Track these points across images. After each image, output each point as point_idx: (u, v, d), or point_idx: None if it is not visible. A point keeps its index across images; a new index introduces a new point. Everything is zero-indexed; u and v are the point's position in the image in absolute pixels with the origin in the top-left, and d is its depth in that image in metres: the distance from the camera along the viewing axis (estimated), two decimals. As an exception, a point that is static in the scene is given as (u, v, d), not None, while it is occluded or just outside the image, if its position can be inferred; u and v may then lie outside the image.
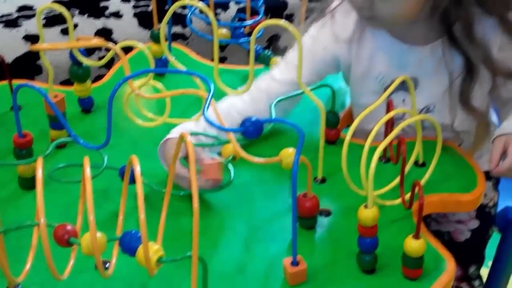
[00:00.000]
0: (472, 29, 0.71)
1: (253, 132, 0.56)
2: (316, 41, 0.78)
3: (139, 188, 0.48)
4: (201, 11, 0.92)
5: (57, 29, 1.19)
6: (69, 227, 0.52)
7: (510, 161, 0.71)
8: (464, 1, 0.69)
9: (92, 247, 0.48)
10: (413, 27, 0.74)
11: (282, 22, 0.62)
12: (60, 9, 0.76)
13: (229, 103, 0.76)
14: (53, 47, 0.73)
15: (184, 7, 1.17)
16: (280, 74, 0.78)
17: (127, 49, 0.84)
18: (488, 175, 0.85)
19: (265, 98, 0.75)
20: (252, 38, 0.65)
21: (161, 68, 0.89)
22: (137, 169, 0.49)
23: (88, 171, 0.49)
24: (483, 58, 0.72)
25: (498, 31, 0.73)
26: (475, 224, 0.85)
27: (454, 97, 0.75)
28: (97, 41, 0.71)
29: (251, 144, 0.74)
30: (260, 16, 0.90)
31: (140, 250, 0.49)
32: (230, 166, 0.67)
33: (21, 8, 1.25)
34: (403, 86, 0.76)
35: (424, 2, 0.70)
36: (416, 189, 0.56)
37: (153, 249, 0.49)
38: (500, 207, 0.89)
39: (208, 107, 0.57)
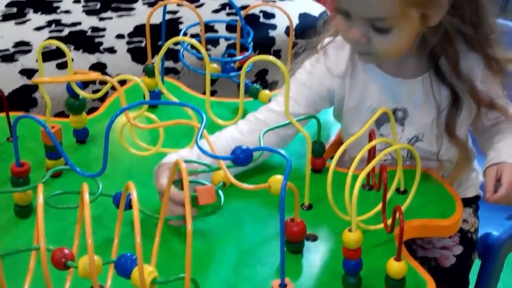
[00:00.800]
0: (458, 64, 0.76)
1: (243, 160, 0.59)
2: (312, 76, 0.81)
3: (135, 211, 0.51)
4: (192, 47, 0.97)
5: (53, 63, 1.23)
6: (66, 251, 0.54)
7: (505, 190, 0.75)
8: (452, 38, 0.73)
9: (90, 269, 0.50)
10: (403, 62, 0.78)
11: (270, 57, 0.66)
12: (59, 44, 0.80)
13: (228, 136, 0.79)
14: (53, 80, 0.76)
15: (176, 43, 1.21)
16: (278, 105, 0.81)
17: (121, 83, 0.87)
18: (469, 201, 0.89)
19: (264, 129, 0.78)
20: (242, 72, 0.69)
21: (156, 100, 0.92)
22: (134, 194, 0.52)
23: (87, 196, 0.52)
24: (468, 90, 0.77)
25: (480, 65, 0.77)
26: (459, 249, 0.88)
27: (441, 127, 0.79)
28: (95, 75, 0.75)
29: (241, 172, 0.77)
30: (249, 52, 0.95)
31: (135, 272, 0.52)
32: (221, 192, 0.70)
33: (18, 44, 1.29)
34: (392, 118, 0.80)
35: (416, 38, 0.74)
36: (397, 214, 0.60)
37: (148, 271, 0.51)
38: (480, 233, 0.92)
39: (201, 136, 0.61)
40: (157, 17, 0.95)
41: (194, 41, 0.75)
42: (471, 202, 0.89)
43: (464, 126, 0.82)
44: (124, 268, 0.53)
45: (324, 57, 0.81)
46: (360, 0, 0.70)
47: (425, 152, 0.82)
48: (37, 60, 1.22)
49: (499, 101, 0.79)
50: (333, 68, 0.81)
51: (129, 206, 0.67)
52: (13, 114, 0.89)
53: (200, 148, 0.61)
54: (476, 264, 0.94)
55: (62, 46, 0.79)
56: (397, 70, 0.80)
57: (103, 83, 1.22)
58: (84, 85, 1.09)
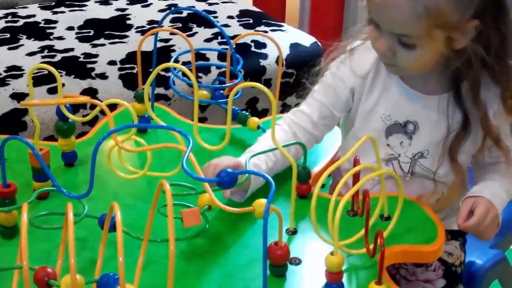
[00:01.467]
0: (478, 91, 0.78)
1: (228, 182, 0.60)
2: (336, 77, 0.85)
3: (119, 231, 0.51)
4: (183, 74, 0.98)
5: (44, 88, 1.25)
6: (49, 270, 0.55)
7: (476, 220, 0.77)
8: (475, 66, 0.75)
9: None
10: (426, 78, 0.81)
11: (257, 84, 0.68)
12: (49, 68, 0.81)
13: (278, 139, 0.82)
14: (43, 103, 0.77)
15: (167, 70, 1.23)
16: (308, 108, 0.85)
17: (111, 108, 0.88)
18: (456, 234, 0.90)
19: (301, 132, 0.84)
20: (230, 98, 0.70)
21: (143, 124, 0.93)
22: (118, 214, 0.53)
23: (71, 215, 0.53)
24: (481, 118, 0.79)
25: (497, 99, 0.79)
26: (441, 283, 0.88)
27: (446, 148, 0.81)
28: (84, 98, 0.76)
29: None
30: (238, 79, 0.97)
31: (117, 292, 0.52)
32: (206, 215, 0.71)
33: (10, 68, 1.31)
34: (402, 130, 0.83)
35: (440, 58, 0.76)
36: (379, 239, 0.61)
37: (130, 290, 0.52)
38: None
39: (186, 159, 0.62)
40: (149, 45, 0.97)
41: (183, 67, 0.76)
42: (458, 235, 0.90)
43: (466, 154, 0.83)
44: (106, 287, 0.53)
45: (350, 58, 0.84)
46: (388, 15, 0.73)
47: (425, 170, 0.84)
48: (28, 84, 1.25)
49: (505, 140, 0.81)
50: (357, 68, 0.83)
51: (113, 227, 0.67)
52: (2, 137, 0.90)
53: (186, 170, 0.62)
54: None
55: (52, 69, 0.80)
56: (418, 84, 0.82)
57: (94, 107, 1.23)
58: (75, 110, 1.10)
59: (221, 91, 0.98)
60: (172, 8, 1.62)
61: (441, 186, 0.85)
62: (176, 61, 0.99)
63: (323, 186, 0.91)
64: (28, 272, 0.51)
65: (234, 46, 0.95)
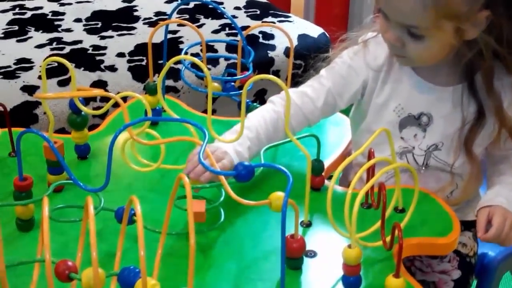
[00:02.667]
0: (491, 82, 0.77)
1: (245, 176, 0.60)
2: (350, 68, 0.84)
3: (140, 224, 0.52)
4: (193, 66, 0.98)
5: (54, 80, 1.25)
6: (70, 263, 0.55)
7: (495, 231, 0.78)
8: (487, 57, 0.75)
9: (94, 281, 0.51)
10: (439, 69, 0.80)
11: (272, 77, 0.68)
12: (63, 61, 0.81)
13: (276, 112, 0.82)
14: (57, 96, 0.77)
15: (177, 62, 1.23)
16: (313, 92, 0.85)
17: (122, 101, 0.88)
18: (469, 225, 0.90)
19: (299, 114, 0.83)
20: (244, 90, 0.70)
21: (159, 117, 0.93)
22: (138, 208, 0.53)
23: (91, 208, 0.53)
24: (496, 109, 0.78)
25: (511, 90, 0.79)
26: (457, 274, 0.88)
27: (461, 140, 0.81)
28: (98, 91, 0.76)
29: (237, 187, 0.77)
30: (250, 71, 0.97)
31: (138, 285, 0.52)
32: (221, 208, 0.71)
33: (19, 61, 1.31)
34: (415, 122, 0.82)
35: (450, 49, 0.76)
36: (396, 231, 0.61)
37: (151, 284, 0.52)
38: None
39: (203, 153, 0.62)
40: (157, 37, 0.97)
41: (196, 60, 0.76)
42: (471, 226, 0.90)
43: (481, 146, 0.83)
44: (127, 280, 0.53)
45: (364, 50, 0.83)
46: (395, 6, 0.73)
47: (440, 162, 0.83)
48: (38, 77, 1.25)
49: None
50: (371, 61, 0.83)
51: (131, 220, 0.68)
52: (15, 130, 0.90)
53: (203, 164, 0.62)
54: (473, 283, 0.94)
55: (66, 62, 0.80)
56: (431, 76, 0.81)
57: (104, 100, 1.23)
58: (85, 102, 1.10)
59: (232, 83, 0.98)
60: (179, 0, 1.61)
61: (456, 178, 0.85)
62: (186, 53, 0.99)
63: (329, 177, 0.91)
64: (51, 266, 0.51)
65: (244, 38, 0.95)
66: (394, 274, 0.61)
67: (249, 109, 0.96)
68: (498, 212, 0.79)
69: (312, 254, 0.70)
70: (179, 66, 1.24)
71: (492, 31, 0.73)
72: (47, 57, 1.32)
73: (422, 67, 0.81)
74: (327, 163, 0.87)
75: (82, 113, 0.86)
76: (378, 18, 0.80)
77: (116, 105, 0.83)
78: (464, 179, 0.85)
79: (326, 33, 1.48)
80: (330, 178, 0.87)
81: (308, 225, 0.75)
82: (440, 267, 0.88)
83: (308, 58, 1.40)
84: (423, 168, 0.84)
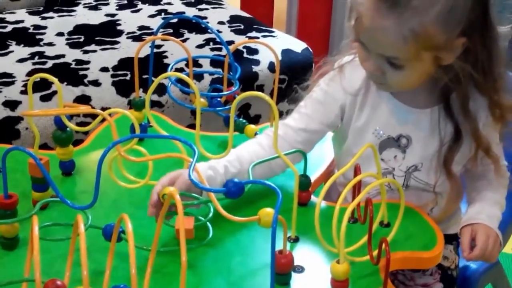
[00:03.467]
0: (467, 104, 0.79)
1: (235, 193, 0.61)
2: (326, 94, 0.85)
3: (131, 243, 0.52)
4: (178, 81, 0.99)
5: (36, 95, 1.24)
6: (59, 282, 0.54)
7: (479, 251, 0.80)
8: (462, 80, 0.76)
9: (84, 300, 0.51)
10: (416, 93, 0.81)
11: (261, 94, 0.69)
12: (50, 78, 0.81)
13: (251, 151, 0.81)
14: (44, 113, 0.77)
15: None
16: (294, 122, 0.85)
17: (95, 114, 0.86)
18: (450, 238, 0.91)
19: (284, 144, 0.82)
20: (233, 106, 0.71)
21: (148, 134, 0.93)
22: (129, 226, 0.53)
23: (82, 227, 0.53)
24: (472, 130, 0.80)
25: (485, 110, 0.81)
26: (439, 287, 0.90)
27: (440, 160, 0.82)
28: (85, 108, 0.76)
29: (227, 204, 0.78)
30: (236, 87, 0.97)
31: (129, 303, 0.52)
32: (209, 224, 0.71)
33: (0, 76, 1.30)
34: (395, 144, 0.84)
35: (428, 75, 0.77)
36: (383, 246, 0.62)
37: (142, 302, 0.52)
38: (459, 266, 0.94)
39: (193, 169, 0.62)
40: (142, 51, 0.96)
41: (185, 77, 0.77)
42: (453, 239, 0.91)
43: (460, 164, 0.85)
44: (117, 299, 0.53)
45: (339, 76, 0.84)
46: (375, 39, 0.74)
47: (421, 183, 0.85)
48: (20, 92, 1.24)
49: (494, 149, 0.83)
50: (348, 86, 0.84)
51: (118, 238, 0.67)
52: (-1, 146, 0.90)
53: (192, 181, 0.63)
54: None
55: (54, 79, 0.80)
56: (409, 99, 0.82)
57: (87, 115, 1.23)
58: (69, 117, 1.09)
59: (218, 99, 0.99)
60: (163, 14, 1.62)
61: (437, 196, 0.87)
62: (175, 69, 0.99)
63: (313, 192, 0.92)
64: (41, 285, 0.51)
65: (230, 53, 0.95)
66: (382, 288, 0.62)
67: (235, 124, 0.97)
68: (481, 230, 0.81)
69: (300, 269, 0.70)
70: (165, 81, 1.24)
71: (468, 57, 0.75)
72: (30, 72, 1.31)
73: (400, 92, 0.83)
74: (312, 178, 0.88)
75: (67, 129, 0.86)
76: (354, 42, 0.81)
77: (109, 122, 0.82)
78: (444, 197, 0.87)
79: (309, 48, 1.50)
80: (314, 193, 0.88)
81: (295, 240, 0.75)
82: (422, 280, 0.89)
83: (292, 73, 1.43)
84: (404, 188, 0.85)
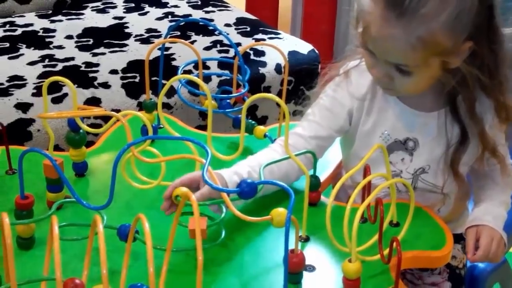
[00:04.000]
0: (474, 106, 0.80)
1: (248, 193, 0.62)
2: (333, 100, 0.85)
3: (149, 242, 0.53)
4: (187, 83, 1.00)
5: (48, 98, 1.25)
6: (77, 281, 0.56)
7: (482, 253, 0.81)
8: (470, 83, 0.77)
9: (104, 298, 0.52)
10: (423, 97, 0.82)
11: (272, 96, 0.70)
12: (65, 81, 0.82)
13: (270, 159, 0.81)
14: (59, 115, 0.78)
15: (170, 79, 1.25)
16: (303, 130, 0.86)
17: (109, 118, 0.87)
18: (459, 238, 0.92)
19: (296, 151, 0.82)
20: (244, 108, 0.72)
21: (161, 135, 0.95)
22: (146, 225, 0.54)
23: (101, 227, 0.54)
24: (478, 132, 0.81)
25: (491, 111, 0.82)
26: (447, 286, 0.91)
27: (447, 162, 0.83)
28: (99, 110, 0.77)
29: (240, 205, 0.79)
30: (245, 89, 0.99)
31: (147, 301, 0.53)
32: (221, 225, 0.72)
33: (12, 78, 1.31)
34: (402, 147, 0.84)
35: (436, 79, 0.78)
36: (394, 245, 0.63)
37: (159, 300, 0.53)
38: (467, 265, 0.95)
39: (206, 170, 0.63)
40: (150, 54, 0.98)
41: (197, 79, 0.78)
42: (460, 238, 0.92)
43: (466, 165, 0.86)
44: (135, 298, 0.54)
45: (346, 81, 0.85)
46: (383, 47, 0.75)
47: (428, 185, 0.86)
48: (32, 94, 1.26)
49: (500, 149, 0.84)
50: (354, 91, 0.84)
51: (133, 238, 0.69)
52: (11, 148, 0.91)
53: (206, 181, 0.64)
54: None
55: (69, 82, 0.81)
56: (415, 103, 0.83)
57: (98, 117, 1.24)
58: (81, 119, 1.11)
59: (228, 101, 1.00)
60: (170, 17, 1.63)
61: (446, 197, 0.88)
62: (183, 71, 1.01)
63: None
64: (61, 285, 0.52)
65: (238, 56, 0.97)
66: (393, 287, 0.62)
67: (245, 125, 0.98)
68: (485, 232, 0.82)
69: (311, 269, 0.71)
70: (174, 83, 1.25)
71: (474, 60, 0.76)
72: (40, 74, 1.32)
73: (407, 96, 0.84)
74: (322, 178, 0.89)
75: (81, 131, 0.87)
76: (361, 49, 0.81)
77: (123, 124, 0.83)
78: (451, 198, 0.88)
79: (315, 50, 1.51)
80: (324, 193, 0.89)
81: (306, 239, 0.77)
82: (431, 279, 0.90)
83: (298, 74, 1.44)
84: (413, 189, 0.86)
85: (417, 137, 0.84)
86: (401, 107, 0.84)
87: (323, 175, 0.92)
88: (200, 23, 1.50)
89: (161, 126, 0.99)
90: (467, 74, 0.76)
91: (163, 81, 0.98)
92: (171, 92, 1.30)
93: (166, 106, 1.31)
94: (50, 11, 1.66)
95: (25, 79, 1.31)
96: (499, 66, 0.78)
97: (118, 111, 1.10)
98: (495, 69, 0.78)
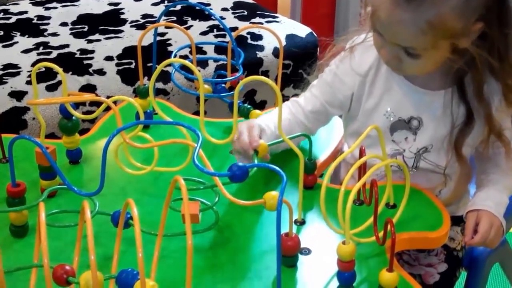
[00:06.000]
0: (481, 88, 0.79)
1: (239, 176, 0.61)
2: (335, 75, 0.85)
3: (137, 226, 0.52)
4: (182, 68, 0.99)
5: (42, 85, 1.24)
6: (67, 267, 0.55)
7: (480, 237, 0.80)
8: (479, 66, 0.76)
9: (93, 284, 0.51)
10: (429, 76, 0.81)
11: (263, 78, 0.69)
12: (53, 66, 0.81)
13: (291, 113, 0.86)
14: (48, 102, 0.77)
15: (166, 64, 1.23)
16: (305, 102, 0.87)
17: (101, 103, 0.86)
18: (459, 220, 0.91)
19: (293, 123, 0.86)
20: (236, 92, 0.71)
21: (152, 120, 0.94)
22: (134, 210, 0.53)
23: (88, 213, 0.53)
24: (485, 114, 0.80)
25: (499, 94, 0.80)
26: (443, 267, 0.90)
27: (451, 142, 0.82)
28: (89, 96, 0.77)
29: (229, 188, 0.78)
30: (240, 73, 0.97)
31: (137, 286, 0.53)
32: (215, 209, 0.72)
33: (6, 66, 1.30)
34: (406, 126, 0.84)
35: (443, 61, 0.77)
36: (389, 226, 0.62)
37: (149, 285, 0.53)
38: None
39: (197, 154, 0.63)
40: (145, 40, 0.97)
41: (188, 63, 0.77)
42: (460, 221, 0.91)
43: (470, 146, 0.85)
44: (125, 283, 0.54)
45: (349, 57, 0.84)
46: (393, 31, 0.74)
47: (431, 164, 0.85)
48: (26, 82, 1.24)
49: (505, 133, 0.82)
50: (357, 67, 0.84)
51: (127, 224, 0.68)
52: (4, 136, 0.90)
53: (197, 166, 0.63)
54: (462, 276, 0.96)
55: (56, 67, 0.80)
56: (421, 81, 0.82)
57: (93, 104, 1.23)
58: (75, 106, 1.10)
59: (223, 85, 0.99)
60: (166, 2, 1.61)
61: (446, 178, 0.86)
62: (176, 56, 0.99)
63: (321, 175, 0.92)
64: (49, 271, 0.52)
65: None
66: (388, 268, 0.62)
67: (240, 110, 0.97)
68: (485, 218, 0.81)
69: (307, 252, 0.71)
70: (169, 68, 1.24)
71: (484, 42, 0.75)
72: (35, 62, 1.31)
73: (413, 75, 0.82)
74: (318, 162, 0.88)
75: (73, 118, 0.86)
76: (365, 21, 0.80)
77: (106, 109, 0.83)
78: (453, 179, 0.87)
79: (314, 33, 1.49)
80: (320, 176, 0.88)
81: (301, 223, 0.76)
82: (427, 260, 0.90)
83: (296, 58, 1.42)
84: (414, 170, 0.85)
85: (422, 116, 0.83)
86: (407, 85, 0.83)
87: (322, 156, 0.90)
88: (196, 8, 1.48)
89: (156, 112, 0.97)
90: (476, 55, 0.75)
91: (158, 66, 0.97)
92: (167, 78, 1.29)
93: (163, 92, 1.30)
94: (45, -2, 1.64)
95: (20, 67, 1.30)
96: (509, 49, 0.77)
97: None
98: (505, 52, 0.77)
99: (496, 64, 0.76)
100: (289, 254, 0.68)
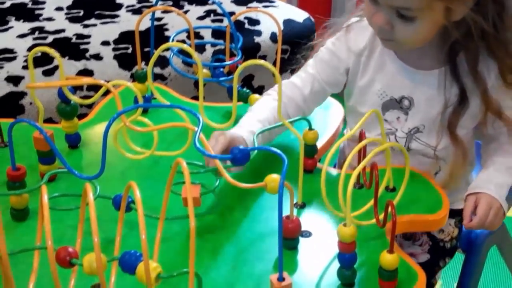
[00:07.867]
0: (477, 63, 0.78)
1: (240, 159, 0.61)
2: (332, 53, 0.86)
3: (140, 209, 0.52)
4: (180, 52, 0.98)
5: (39, 70, 1.23)
6: (70, 249, 0.55)
7: (478, 220, 0.80)
8: (475, 35, 0.75)
9: (97, 265, 0.52)
10: (422, 53, 0.81)
11: (262, 62, 0.69)
12: (50, 51, 0.80)
13: (271, 107, 0.84)
14: (47, 85, 0.77)
15: (164, 49, 1.23)
16: (301, 82, 0.87)
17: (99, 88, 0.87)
18: (454, 213, 0.90)
19: (291, 104, 0.85)
20: (235, 76, 0.71)
21: (151, 104, 0.94)
22: (137, 193, 0.54)
23: (91, 195, 0.53)
24: (481, 91, 0.79)
25: (495, 72, 0.79)
26: (424, 258, 0.90)
27: (444, 123, 0.82)
28: (88, 79, 0.76)
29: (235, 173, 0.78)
30: (239, 57, 0.97)
31: (140, 268, 0.53)
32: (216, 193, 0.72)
33: (2, 51, 1.29)
34: (397, 105, 0.84)
35: (438, 30, 0.76)
36: (389, 209, 0.62)
37: (152, 266, 0.53)
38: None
39: (198, 137, 0.62)
40: (142, 24, 0.96)
41: (186, 47, 0.77)
42: (456, 214, 0.90)
43: (465, 128, 0.84)
44: (128, 264, 0.54)
45: (345, 35, 0.85)
46: None
47: (422, 144, 0.85)
48: (22, 67, 1.24)
49: (506, 112, 0.81)
50: (353, 45, 0.84)
51: (128, 207, 0.68)
52: (2, 121, 0.90)
53: (198, 148, 0.63)
54: (460, 258, 0.97)
55: (53, 52, 0.79)
56: (414, 60, 0.82)
57: (91, 89, 1.22)
58: (73, 91, 1.09)
59: (221, 69, 0.99)
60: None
61: (440, 162, 0.86)
62: (173, 40, 0.99)
63: (319, 160, 0.93)
64: (53, 252, 0.52)
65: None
66: (388, 250, 0.62)
67: (239, 95, 0.97)
68: (484, 200, 0.80)
69: (308, 234, 0.71)
70: (166, 53, 1.23)
71: (479, 10, 0.74)
72: (31, 47, 1.30)
73: (406, 52, 0.82)
74: (320, 143, 0.88)
75: (72, 102, 0.86)
76: (361, 2, 0.80)
77: (104, 94, 0.83)
78: (447, 163, 0.86)
79: (311, 18, 1.49)
80: (320, 160, 0.88)
81: (302, 206, 0.76)
82: (410, 249, 0.90)
83: (294, 43, 1.41)
84: (406, 151, 0.85)
85: (413, 96, 0.83)
86: (399, 64, 0.83)
87: (322, 139, 0.90)
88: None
89: (155, 96, 0.97)
90: (471, 23, 0.74)
91: (155, 51, 0.97)
92: (165, 62, 1.28)
93: (160, 77, 1.29)
94: (39, -17, 1.62)
95: (15, 52, 1.29)
96: (505, 21, 0.76)
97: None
98: (500, 24, 0.76)
99: (491, 37, 0.75)
100: (290, 237, 0.68)
